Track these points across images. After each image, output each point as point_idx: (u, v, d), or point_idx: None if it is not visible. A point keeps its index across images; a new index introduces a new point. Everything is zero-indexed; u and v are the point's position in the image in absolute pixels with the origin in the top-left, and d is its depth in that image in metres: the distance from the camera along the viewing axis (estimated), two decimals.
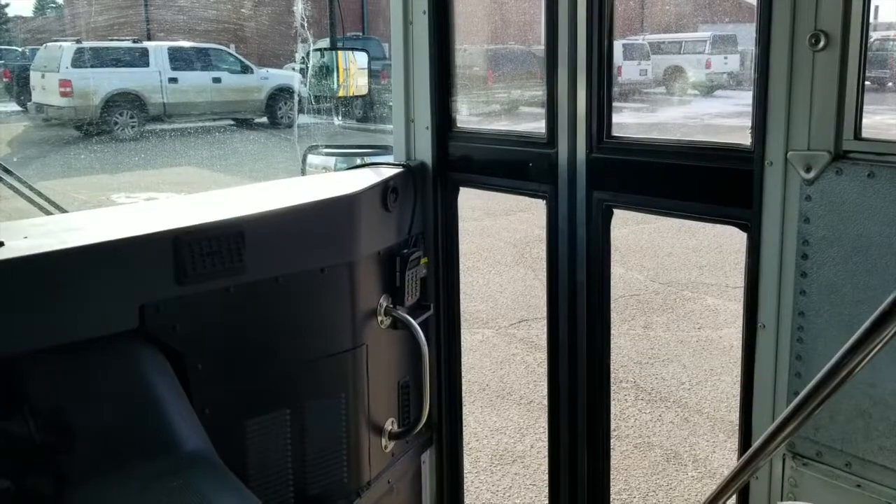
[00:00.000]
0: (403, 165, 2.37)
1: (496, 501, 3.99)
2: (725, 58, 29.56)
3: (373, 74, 3.00)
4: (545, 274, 2.29)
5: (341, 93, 2.96)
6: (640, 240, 9.03)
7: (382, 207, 2.21)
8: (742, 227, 1.83)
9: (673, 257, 8.37)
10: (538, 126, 2.23)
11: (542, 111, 2.19)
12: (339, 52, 2.87)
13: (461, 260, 2.54)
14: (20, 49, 23.19)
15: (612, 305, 2.37)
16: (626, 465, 4.32)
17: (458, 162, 2.40)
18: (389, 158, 2.52)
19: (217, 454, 1.56)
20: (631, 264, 7.97)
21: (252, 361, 1.89)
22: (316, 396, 2.05)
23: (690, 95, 28.69)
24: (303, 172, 4.33)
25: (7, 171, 2.40)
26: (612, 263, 2.21)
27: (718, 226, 2.08)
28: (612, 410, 4.96)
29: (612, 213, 2.14)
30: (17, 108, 19.52)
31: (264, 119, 19.02)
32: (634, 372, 5.48)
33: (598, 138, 2.09)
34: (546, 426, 2.46)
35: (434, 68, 2.33)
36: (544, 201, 2.21)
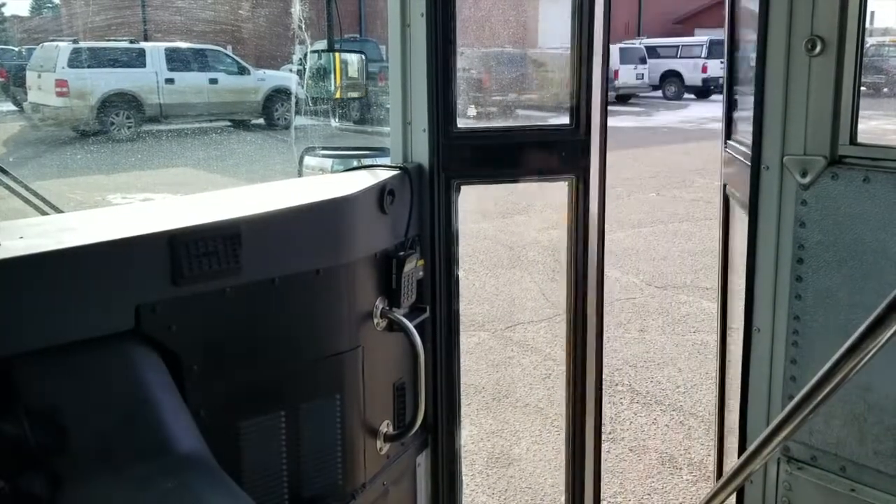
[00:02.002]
0: (400, 167, 2.37)
1: None
2: (722, 62, 29.61)
3: (370, 76, 3.01)
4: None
5: (338, 95, 2.96)
6: (635, 243, 9.04)
7: (379, 209, 2.20)
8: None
9: (668, 261, 8.38)
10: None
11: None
12: (338, 54, 2.87)
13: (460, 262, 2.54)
14: (17, 49, 23.15)
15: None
16: (622, 468, 4.33)
17: (458, 163, 2.40)
18: (386, 160, 2.52)
19: (212, 456, 1.55)
20: (627, 268, 7.98)
21: (248, 363, 1.88)
22: (311, 398, 2.05)
23: (687, 99, 28.72)
24: (299, 174, 4.33)
25: (3, 171, 2.39)
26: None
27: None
28: (608, 413, 4.98)
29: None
30: (14, 107, 19.48)
31: (261, 120, 19.00)
32: (630, 375, 5.48)
33: None
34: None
35: (431, 71, 2.34)
36: (566, 183, 2.44)
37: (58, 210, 2.39)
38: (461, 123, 2.41)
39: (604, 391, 2.60)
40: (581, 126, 2.38)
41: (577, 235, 2.45)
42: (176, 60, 17.91)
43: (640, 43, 30.25)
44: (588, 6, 2.29)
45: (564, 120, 2.43)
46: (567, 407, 2.59)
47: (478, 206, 10.04)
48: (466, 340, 6.10)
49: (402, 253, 2.26)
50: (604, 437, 4.67)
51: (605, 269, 2.49)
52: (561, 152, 2.40)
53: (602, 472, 2.66)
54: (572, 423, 2.57)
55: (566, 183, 2.45)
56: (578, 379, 2.52)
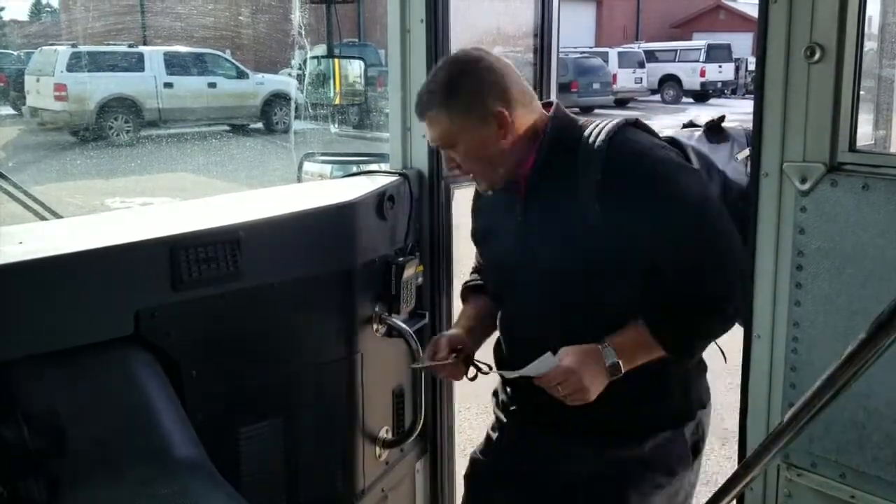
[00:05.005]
0: (400, 173, 2.37)
1: None
2: (720, 66, 29.63)
3: (369, 82, 3.03)
4: None
5: (338, 100, 2.97)
6: None
7: (378, 215, 2.20)
8: None
9: None
10: None
11: None
12: (338, 60, 2.88)
13: (458, 267, 2.54)
14: (15, 53, 23.14)
15: None
16: None
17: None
18: (386, 166, 2.52)
19: (210, 461, 1.55)
20: None
21: (247, 368, 1.88)
22: (310, 404, 2.05)
23: (685, 103, 28.75)
24: (299, 180, 4.34)
25: (2, 176, 2.40)
26: None
27: None
28: None
29: None
30: (12, 111, 19.46)
31: (260, 125, 18.99)
32: None
33: None
34: None
35: None
36: None
37: (57, 215, 2.39)
38: None
39: None
40: None
41: None
42: (174, 65, 17.89)
43: (639, 47, 30.31)
44: (547, 23, 2.64)
45: None
46: None
47: None
48: None
49: (401, 259, 2.26)
50: None
51: None
52: None
53: None
54: None
55: None
56: None
